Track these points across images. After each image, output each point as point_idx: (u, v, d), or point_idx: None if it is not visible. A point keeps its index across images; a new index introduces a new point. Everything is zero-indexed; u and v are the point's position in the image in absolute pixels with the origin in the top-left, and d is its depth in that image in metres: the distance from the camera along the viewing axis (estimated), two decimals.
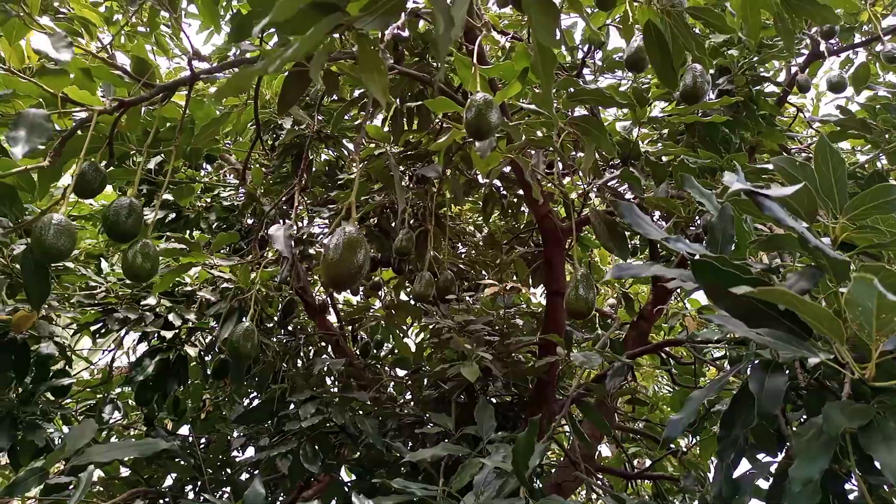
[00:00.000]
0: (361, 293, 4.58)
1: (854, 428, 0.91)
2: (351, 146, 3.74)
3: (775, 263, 1.72)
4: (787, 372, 1.18)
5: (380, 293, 4.52)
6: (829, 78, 3.19)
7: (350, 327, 4.46)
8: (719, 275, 0.96)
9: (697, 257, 0.99)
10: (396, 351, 4.48)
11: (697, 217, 2.77)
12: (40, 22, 2.06)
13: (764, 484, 1.47)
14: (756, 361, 1.16)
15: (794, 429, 1.40)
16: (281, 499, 3.59)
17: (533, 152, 2.78)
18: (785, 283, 1.05)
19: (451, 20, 1.06)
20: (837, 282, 1.01)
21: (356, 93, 3.17)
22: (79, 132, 2.10)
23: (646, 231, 1.31)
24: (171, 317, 2.92)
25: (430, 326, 3.51)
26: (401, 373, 4.18)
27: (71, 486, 2.05)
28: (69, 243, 1.81)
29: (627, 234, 2.65)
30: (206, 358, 3.46)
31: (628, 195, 3.02)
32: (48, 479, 1.87)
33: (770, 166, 2.17)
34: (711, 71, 3.00)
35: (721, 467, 1.37)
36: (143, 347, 3.31)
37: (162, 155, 2.58)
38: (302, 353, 3.98)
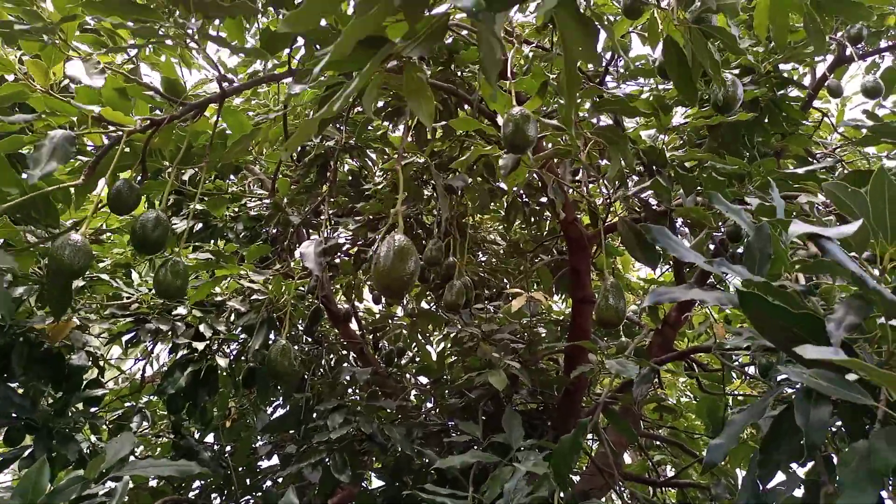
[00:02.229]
0: (383, 302, 4.61)
1: None
2: (374, 157, 3.78)
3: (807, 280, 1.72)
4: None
5: (402, 301, 4.54)
6: (864, 83, 3.15)
7: (372, 336, 4.49)
8: (767, 307, 0.96)
9: (742, 286, 0.99)
10: (418, 359, 4.50)
11: (721, 224, 2.76)
12: (76, 48, 2.11)
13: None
14: (799, 389, 1.17)
15: (838, 455, 1.40)
16: None
17: (557, 160, 2.79)
18: (834, 315, 1.05)
19: (496, 43, 1.08)
20: (888, 318, 1.02)
21: (380, 103, 3.20)
22: (115, 147, 2.16)
23: (681, 254, 1.30)
24: (201, 327, 2.96)
25: (453, 335, 3.53)
26: (423, 381, 4.20)
27: (101, 494, 2.08)
28: (84, 262, 1.87)
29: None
30: (233, 367, 3.50)
31: (653, 202, 3.02)
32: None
33: (800, 171, 2.17)
34: (729, 77, 2.98)
35: (749, 481, 1.36)
36: (172, 356, 3.36)
37: (195, 168, 2.62)
38: (324, 362, 4.01)
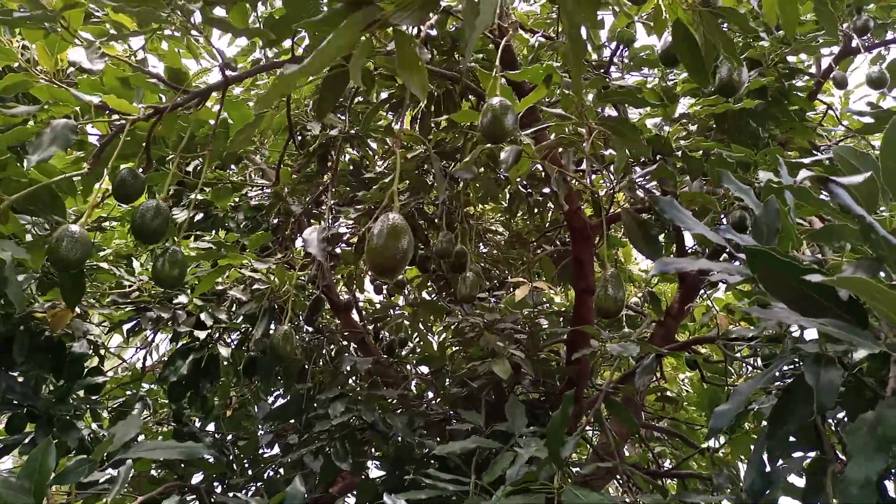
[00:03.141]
0: (385, 291, 4.61)
1: None
2: (375, 146, 3.76)
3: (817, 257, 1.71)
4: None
5: (404, 291, 4.54)
6: (870, 74, 3.14)
7: (373, 326, 4.49)
8: (776, 264, 0.95)
9: (751, 248, 0.98)
10: (418, 350, 4.50)
11: (724, 215, 2.76)
12: (80, 36, 2.09)
13: (797, 481, 1.46)
14: (808, 356, 1.15)
15: (840, 427, 1.39)
16: (306, 496, 3.60)
17: (561, 150, 2.78)
18: (844, 273, 1.04)
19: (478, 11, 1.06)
20: None
21: (384, 94, 3.19)
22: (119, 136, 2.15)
23: (688, 225, 1.29)
24: (203, 316, 2.96)
25: (454, 325, 3.52)
26: (425, 371, 4.20)
27: (103, 480, 2.08)
28: (81, 253, 1.87)
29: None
30: (235, 356, 3.49)
31: (657, 193, 3.01)
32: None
33: (805, 161, 2.16)
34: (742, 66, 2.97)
35: (755, 460, 1.35)
36: (172, 345, 3.36)
37: (200, 158, 2.61)
38: (325, 352, 4.01)
